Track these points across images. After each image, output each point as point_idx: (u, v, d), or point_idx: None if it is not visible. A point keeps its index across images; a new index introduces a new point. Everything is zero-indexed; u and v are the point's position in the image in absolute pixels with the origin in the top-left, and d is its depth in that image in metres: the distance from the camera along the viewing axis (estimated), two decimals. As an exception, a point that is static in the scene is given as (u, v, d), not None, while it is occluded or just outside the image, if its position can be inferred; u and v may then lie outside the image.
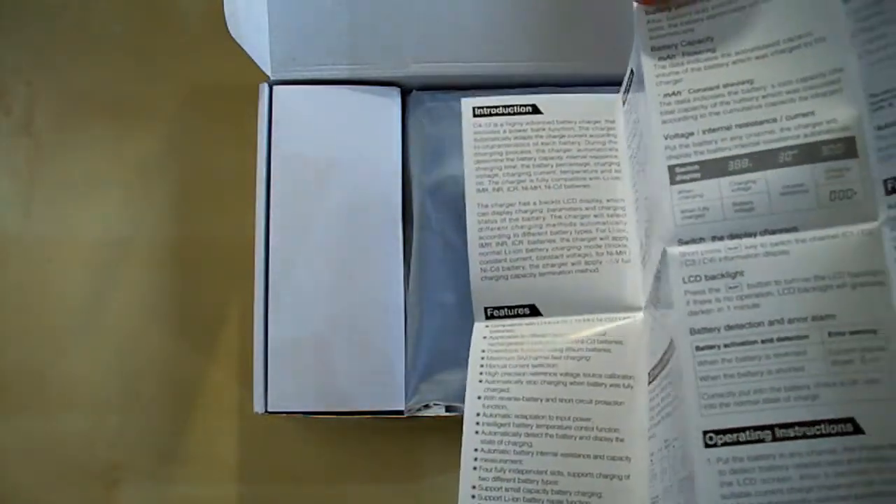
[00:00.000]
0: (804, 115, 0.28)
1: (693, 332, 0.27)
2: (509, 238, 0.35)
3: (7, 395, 0.48)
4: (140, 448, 0.48)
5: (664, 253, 0.29)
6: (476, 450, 0.32)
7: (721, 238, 0.28)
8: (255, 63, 0.41)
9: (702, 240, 0.28)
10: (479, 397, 0.33)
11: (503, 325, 0.35)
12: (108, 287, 0.49)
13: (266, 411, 0.40)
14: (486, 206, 0.36)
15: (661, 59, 0.31)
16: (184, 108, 0.51)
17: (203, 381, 0.48)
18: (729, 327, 0.27)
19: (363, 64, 0.43)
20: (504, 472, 0.32)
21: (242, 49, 0.39)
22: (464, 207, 0.43)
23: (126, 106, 0.51)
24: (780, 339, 0.26)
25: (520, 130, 0.37)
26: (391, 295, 0.42)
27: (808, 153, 0.28)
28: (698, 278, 0.28)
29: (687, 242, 0.28)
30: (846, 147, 0.27)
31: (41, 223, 0.50)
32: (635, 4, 0.31)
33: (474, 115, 0.37)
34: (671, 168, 0.29)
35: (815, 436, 0.25)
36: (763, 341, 0.27)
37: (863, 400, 0.25)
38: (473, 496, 0.32)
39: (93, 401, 0.48)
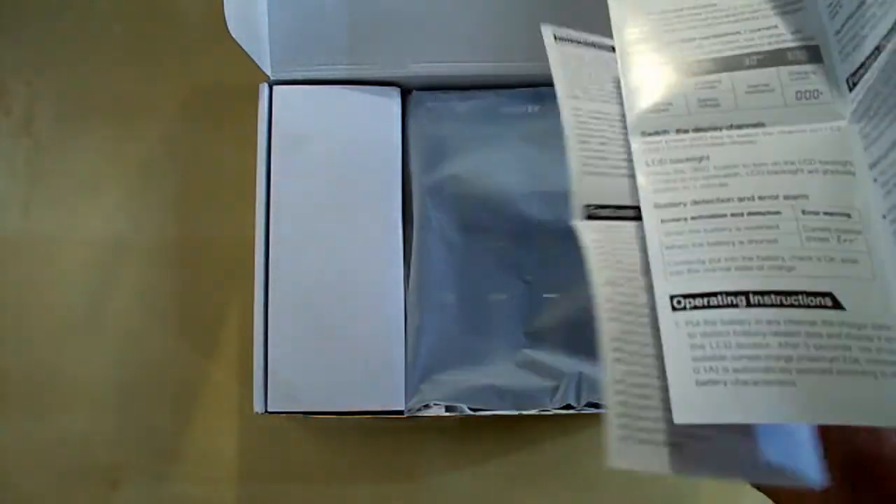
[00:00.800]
0: (767, 28, 0.28)
1: (658, 206, 0.27)
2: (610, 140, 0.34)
3: (7, 396, 0.48)
4: (140, 448, 0.48)
5: (628, 144, 0.28)
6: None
7: (686, 131, 0.28)
8: (255, 63, 0.41)
9: (665, 132, 0.28)
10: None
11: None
12: (108, 287, 0.49)
13: (266, 411, 0.40)
14: (580, 109, 0.33)
15: None
16: (184, 108, 0.51)
17: (203, 381, 0.48)
18: (696, 202, 0.26)
19: (363, 64, 0.43)
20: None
21: (242, 49, 0.39)
22: (464, 207, 0.43)
23: (126, 106, 0.51)
24: (750, 214, 0.26)
25: (606, 62, 0.35)
26: (391, 294, 0.42)
27: (773, 57, 0.28)
28: (662, 161, 0.27)
29: (650, 134, 0.28)
30: (810, 54, 0.27)
31: (41, 223, 0.50)
32: None
33: (556, 40, 0.36)
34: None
35: (791, 305, 0.24)
36: (733, 215, 0.26)
37: (842, 276, 0.24)
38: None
39: (93, 401, 0.48)
